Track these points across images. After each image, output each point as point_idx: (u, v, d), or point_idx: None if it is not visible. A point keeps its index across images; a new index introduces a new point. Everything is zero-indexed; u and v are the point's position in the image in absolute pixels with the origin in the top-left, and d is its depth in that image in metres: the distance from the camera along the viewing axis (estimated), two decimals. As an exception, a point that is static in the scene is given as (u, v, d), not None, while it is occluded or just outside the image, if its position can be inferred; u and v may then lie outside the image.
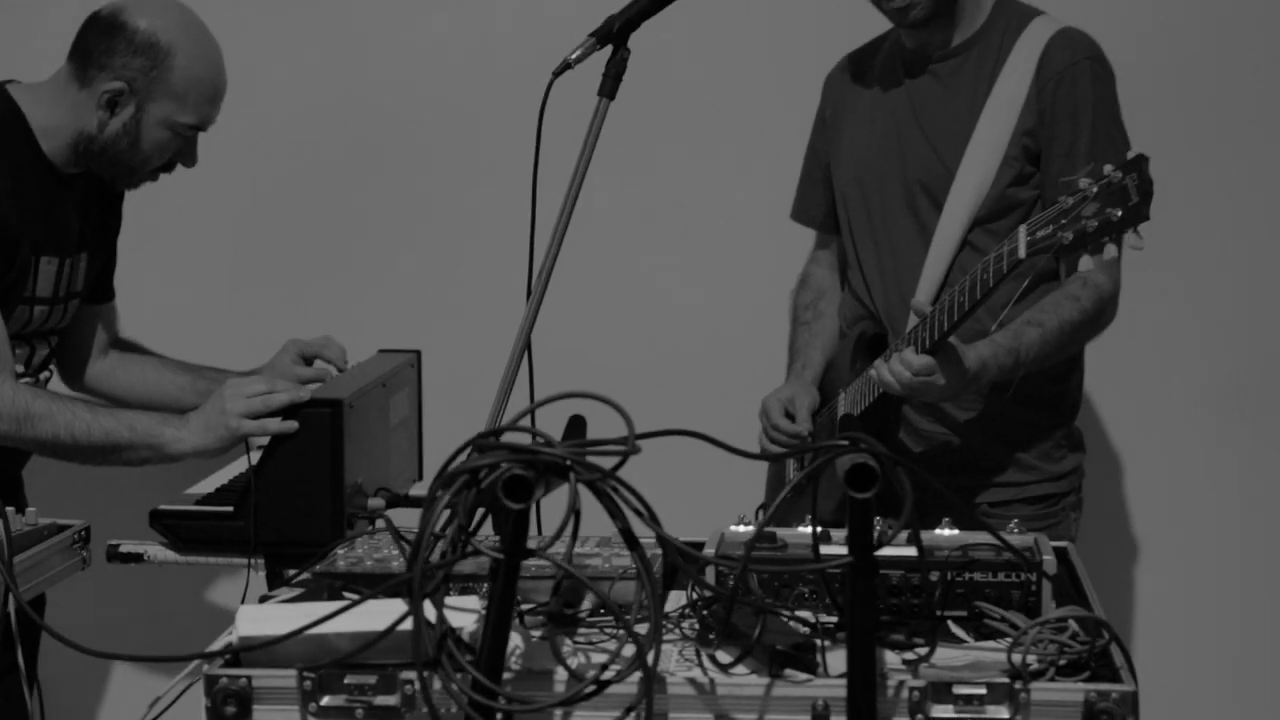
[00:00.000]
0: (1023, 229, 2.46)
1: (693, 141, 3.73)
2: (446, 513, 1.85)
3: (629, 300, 3.72)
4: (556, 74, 2.48)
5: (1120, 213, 2.33)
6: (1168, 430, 3.72)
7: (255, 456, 2.62)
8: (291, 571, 2.47)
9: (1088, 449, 3.10)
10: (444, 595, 1.84)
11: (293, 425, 2.57)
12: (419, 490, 2.93)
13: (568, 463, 1.80)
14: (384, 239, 3.78)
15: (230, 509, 2.61)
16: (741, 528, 2.27)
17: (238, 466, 2.85)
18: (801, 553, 2.12)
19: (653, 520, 1.83)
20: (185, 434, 2.68)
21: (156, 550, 2.66)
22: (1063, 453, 3.02)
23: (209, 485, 2.80)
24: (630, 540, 1.84)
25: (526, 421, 1.86)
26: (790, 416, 3.06)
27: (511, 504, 1.76)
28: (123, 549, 2.66)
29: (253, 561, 2.60)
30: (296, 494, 2.56)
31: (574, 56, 2.50)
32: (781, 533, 2.20)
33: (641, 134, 3.51)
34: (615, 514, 1.83)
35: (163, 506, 2.67)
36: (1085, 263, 2.39)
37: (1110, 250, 2.35)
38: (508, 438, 1.85)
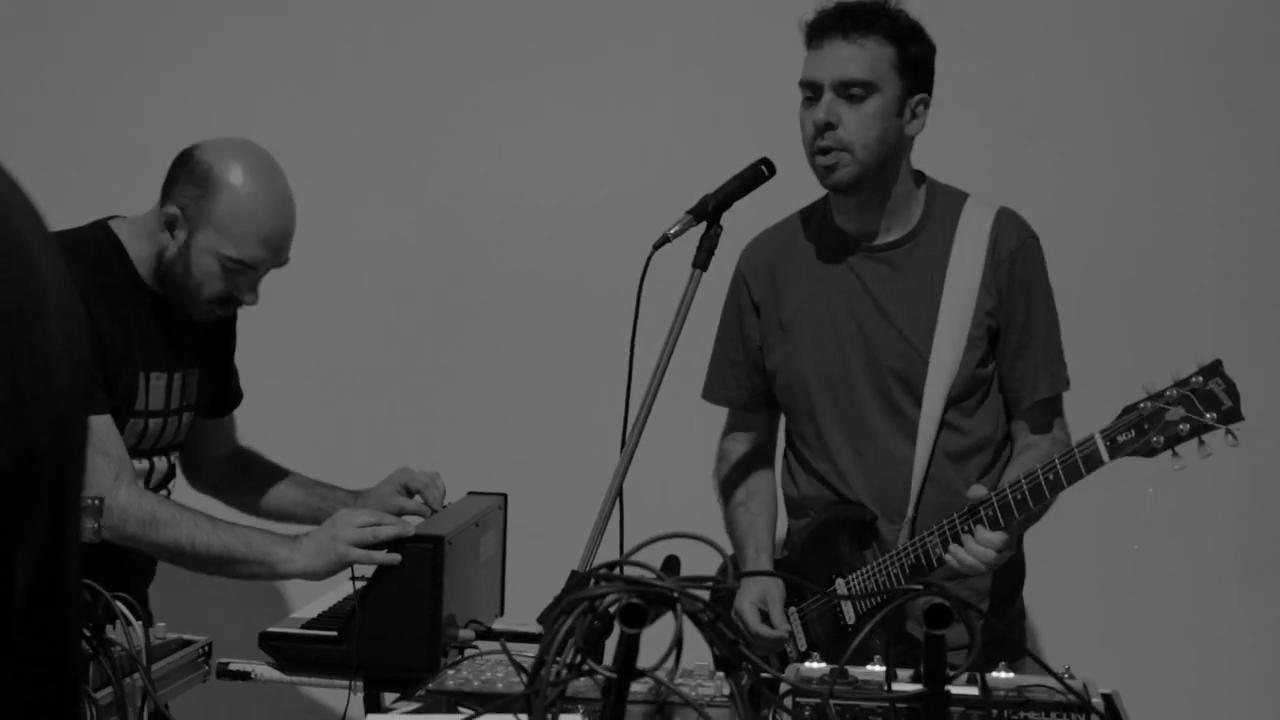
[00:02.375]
0: (1099, 436, 2.72)
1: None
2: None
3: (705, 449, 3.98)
4: (656, 247, 2.70)
5: (1214, 415, 2.61)
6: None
7: (359, 584, 2.85)
8: (392, 696, 2.69)
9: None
10: (559, 711, 2.06)
11: (396, 558, 2.80)
12: (502, 624, 3.14)
13: (675, 595, 2.02)
14: (484, 389, 4.10)
15: (334, 633, 2.82)
16: (814, 665, 2.48)
17: (341, 591, 3.07)
18: (872, 688, 2.34)
19: (749, 649, 2.05)
20: (296, 555, 2.90)
21: (263, 669, 2.87)
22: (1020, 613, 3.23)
23: (313, 610, 3.02)
24: (727, 666, 2.06)
25: (639, 558, 2.08)
26: (764, 614, 3.12)
27: (627, 629, 1.98)
28: (231, 667, 2.87)
29: (352, 683, 2.81)
30: (397, 622, 2.77)
31: (672, 231, 2.74)
32: (852, 670, 2.41)
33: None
34: (713, 642, 2.05)
35: (272, 629, 2.89)
36: (1178, 463, 2.67)
37: (1204, 451, 2.63)
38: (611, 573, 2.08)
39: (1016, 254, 3.06)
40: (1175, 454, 2.67)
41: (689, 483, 3.94)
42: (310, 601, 3.07)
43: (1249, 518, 3.96)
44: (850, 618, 3.09)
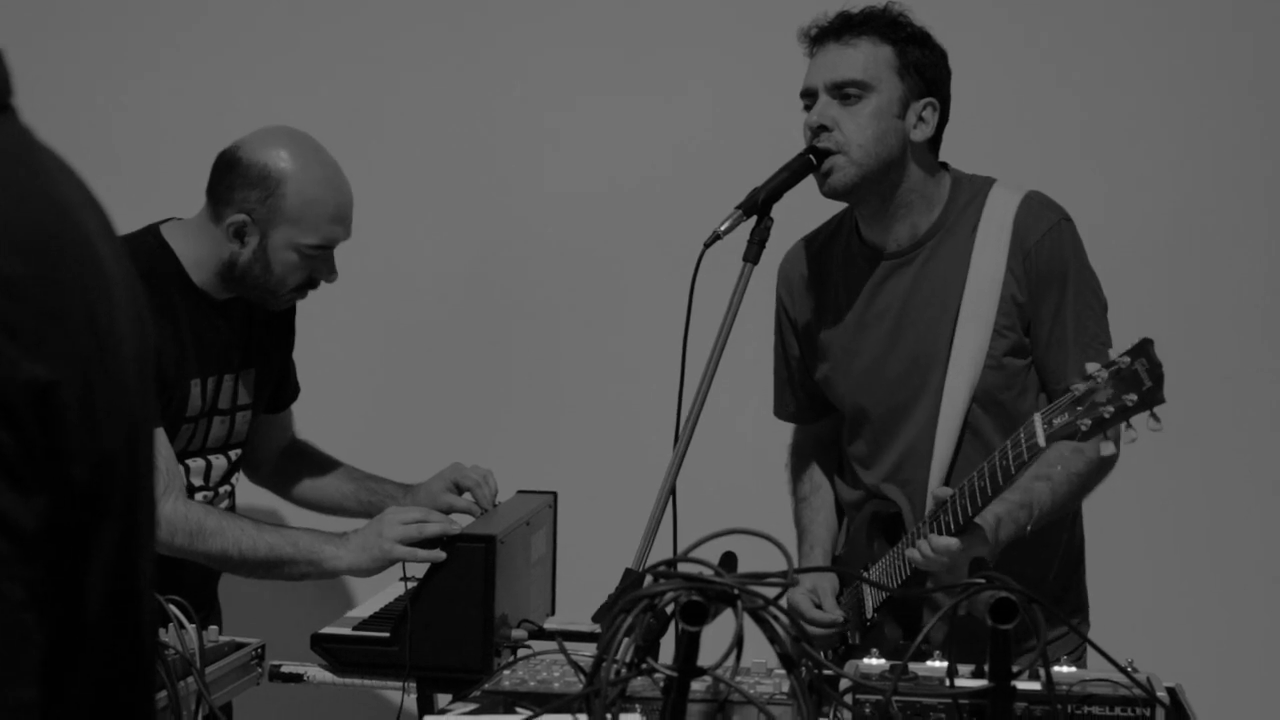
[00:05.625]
0: (1038, 418, 2.57)
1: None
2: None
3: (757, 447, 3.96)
4: (707, 245, 2.69)
5: (1135, 397, 2.45)
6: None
7: (410, 585, 2.84)
8: (445, 697, 2.67)
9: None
10: (619, 710, 2.03)
11: (440, 555, 2.79)
12: (553, 624, 3.12)
13: (735, 592, 2.00)
14: (533, 387, 4.09)
15: (386, 634, 2.81)
16: (874, 660, 2.45)
17: (392, 592, 3.06)
18: (934, 684, 2.31)
19: (810, 646, 2.03)
20: (343, 552, 2.89)
21: (315, 671, 2.85)
22: (1078, 614, 3.12)
23: (364, 611, 3.00)
24: (788, 663, 2.04)
25: (696, 555, 2.06)
26: (818, 605, 3.07)
27: (688, 626, 1.96)
28: (284, 669, 2.86)
29: (405, 685, 2.79)
30: (450, 622, 2.76)
31: (723, 228, 2.72)
32: (913, 666, 2.38)
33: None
34: (774, 639, 2.03)
35: (324, 630, 2.88)
36: (1107, 447, 2.49)
37: (1130, 434, 2.45)
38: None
39: (1043, 241, 2.91)
40: (1106, 437, 2.51)
41: (742, 479, 3.93)
42: (362, 603, 3.06)
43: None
44: (869, 612, 3.03)
